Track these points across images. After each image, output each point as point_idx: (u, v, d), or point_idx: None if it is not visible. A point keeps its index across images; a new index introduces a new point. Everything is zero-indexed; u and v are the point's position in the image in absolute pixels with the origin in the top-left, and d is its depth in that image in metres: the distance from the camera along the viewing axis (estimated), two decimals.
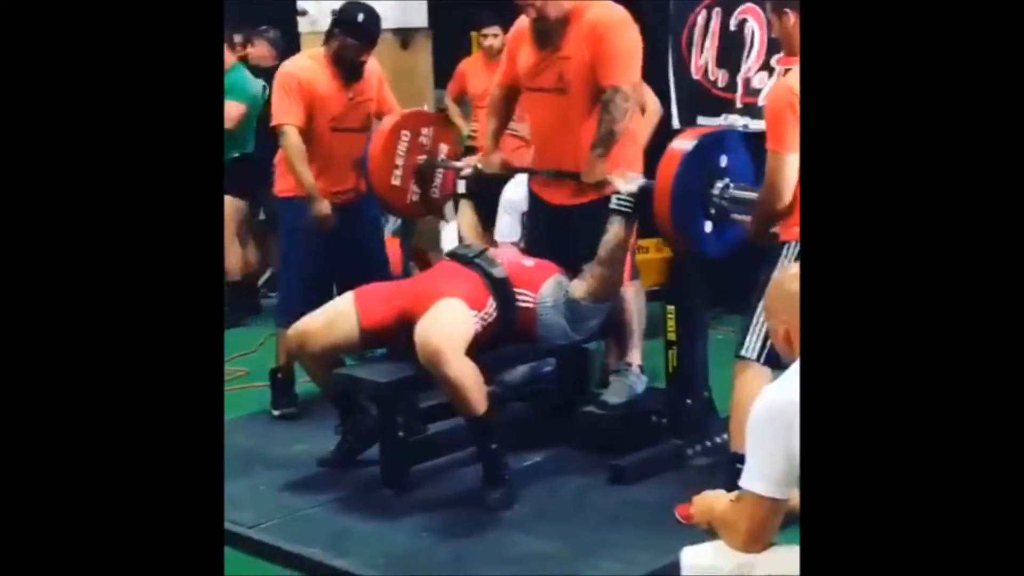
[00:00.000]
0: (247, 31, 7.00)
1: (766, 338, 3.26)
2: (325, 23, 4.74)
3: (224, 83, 5.66)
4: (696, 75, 5.91)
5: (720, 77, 5.81)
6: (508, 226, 5.10)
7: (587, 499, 3.72)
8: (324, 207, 4.50)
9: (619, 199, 3.73)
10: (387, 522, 3.62)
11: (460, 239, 4.36)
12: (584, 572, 3.22)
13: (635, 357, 4.14)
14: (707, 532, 2.29)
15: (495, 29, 6.02)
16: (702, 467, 3.86)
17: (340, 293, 4.09)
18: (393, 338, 3.88)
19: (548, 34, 3.95)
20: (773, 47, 5.40)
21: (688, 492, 2.54)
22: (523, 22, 4.08)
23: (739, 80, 5.72)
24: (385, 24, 6.28)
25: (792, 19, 3.31)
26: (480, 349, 3.69)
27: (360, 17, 4.50)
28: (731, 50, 5.74)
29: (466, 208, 4.34)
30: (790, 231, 3.25)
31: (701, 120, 5.73)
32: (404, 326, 3.73)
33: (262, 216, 6.64)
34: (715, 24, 5.81)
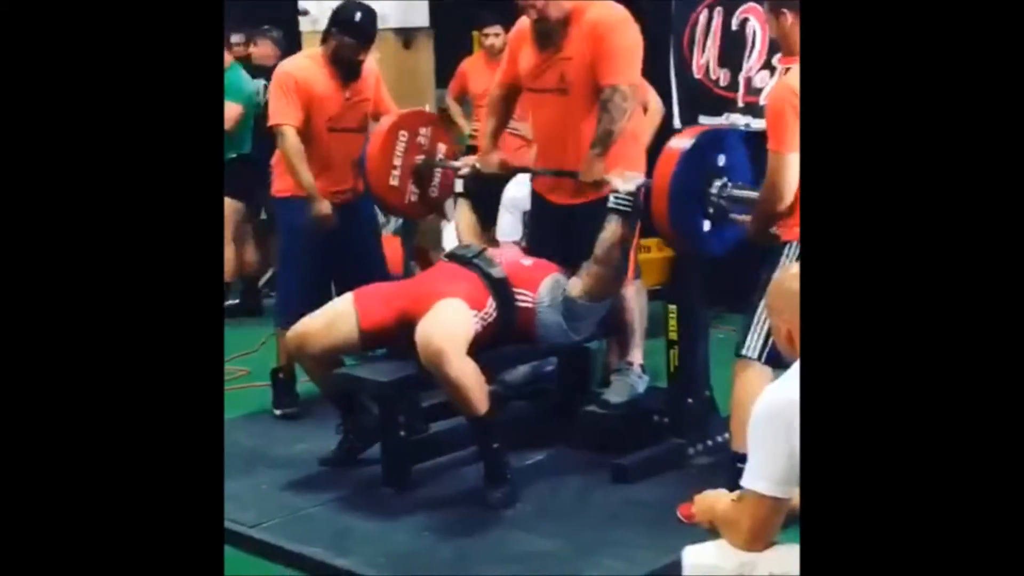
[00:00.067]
0: (250, 31, 7.01)
1: (767, 337, 3.26)
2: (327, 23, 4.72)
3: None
4: (698, 74, 5.90)
5: (722, 76, 5.81)
6: (510, 225, 5.09)
7: (589, 498, 3.72)
8: (325, 207, 4.49)
9: (617, 198, 3.73)
10: (388, 521, 3.62)
11: (458, 239, 4.36)
12: (586, 571, 3.22)
13: (636, 356, 4.14)
14: (709, 531, 2.29)
15: (496, 29, 6.02)
16: (703, 466, 3.86)
17: (339, 293, 4.08)
18: (393, 339, 3.88)
19: (549, 35, 3.95)
20: (775, 46, 5.39)
21: (690, 491, 2.55)
22: (524, 22, 4.08)
23: (741, 79, 5.71)
24: (387, 24, 6.32)
25: (789, 19, 3.31)
26: (480, 349, 3.69)
27: (357, 16, 4.49)
28: (733, 49, 5.73)
29: (464, 207, 4.35)
30: (791, 231, 3.25)
31: (703, 119, 5.72)
32: (404, 327, 3.73)
33: (263, 216, 6.65)
34: (717, 23, 5.81)
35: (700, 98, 5.88)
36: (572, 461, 3.99)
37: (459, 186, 4.36)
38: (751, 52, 5.64)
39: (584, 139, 3.90)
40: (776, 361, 3.18)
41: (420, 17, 6.87)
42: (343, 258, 4.58)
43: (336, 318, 3.86)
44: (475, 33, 6.52)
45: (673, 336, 3.97)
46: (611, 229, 3.74)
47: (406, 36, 6.81)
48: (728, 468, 3.31)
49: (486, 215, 4.59)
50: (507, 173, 4.31)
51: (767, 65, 5.54)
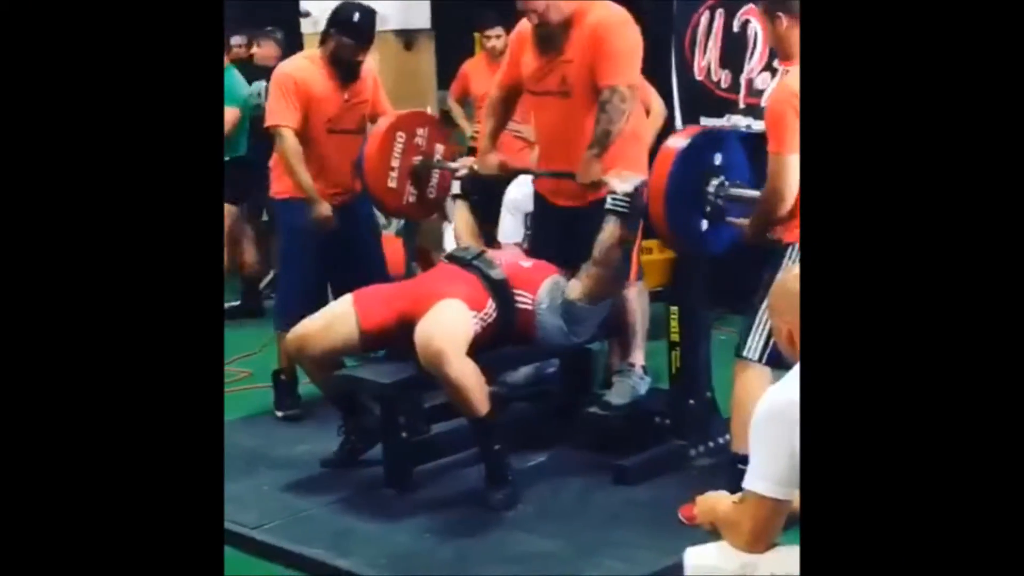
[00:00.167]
0: (252, 32, 7.02)
1: (768, 338, 3.26)
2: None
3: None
4: (699, 76, 5.90)
5: (723, 78, 5.81)
6: (511, 227, 5.09)
7: (590, 499, 3.72)
8: (324, 208, 4.49)
9: (614, 199, 3.73)
10: (390, 522, 3.62)
11: (457, 240, 4.36)
12: (587, 572, 3.22)
13: (638, 358, 4.14)
14: (710, 532, 2.29)
15: (498, 30, 6.02)
16: (705, 467, 3.86)
17: (335, 295, 4.08)
18: (393, 340, 3.88)
19: (550, 38, 3.95)
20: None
21: (691, 492, 2.54)
22: (525, 25, 4.07)
23: (742, 81, 5.71)
24: (388, 25, 6.32)
25: (785, 23, 3.31)
26: (479, 350, 3.69)
27: (356, 17, 4.48)
28: (734, 51, 5.73)
29: (462, 209, 4.34)
30: (793, 233, 3.25)
31: (704, 121, 5.72)
32: (404, 328, 3.73)
33: (264, 218, 6.65)
34: (718, 25, 5.81)
35: (702, 100, 5.87)
36: (573, 462, 4.00)
37: (456, 187, 4.36)
38: (752, 54, 5.64)
39: (586, 141, 3.90)
40: (777, 362, 3.18)
41: (421, 18, 6.88)
42: (343, 259, 4.58)
43: (336, 319, 3.86)
44: (476, 34, 6.53)
45: (675, 337, 3.97)
46: (609, 230, 3.74)
47: (407, 38, 6.81)
48: (729, 470, 3.31)
49: (485, 216, 4.58)
50: (505, 175, 4.31)
51: (768, 67, 5.54)
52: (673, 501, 3.50)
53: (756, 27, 5.57)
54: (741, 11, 5.64)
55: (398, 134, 4.48)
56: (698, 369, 3.95)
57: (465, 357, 3.59)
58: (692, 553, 2.28)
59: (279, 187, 4.65)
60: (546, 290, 3.87)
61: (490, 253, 4.04)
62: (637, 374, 4.11)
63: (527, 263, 4.04)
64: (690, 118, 5.82)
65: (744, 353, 3.38)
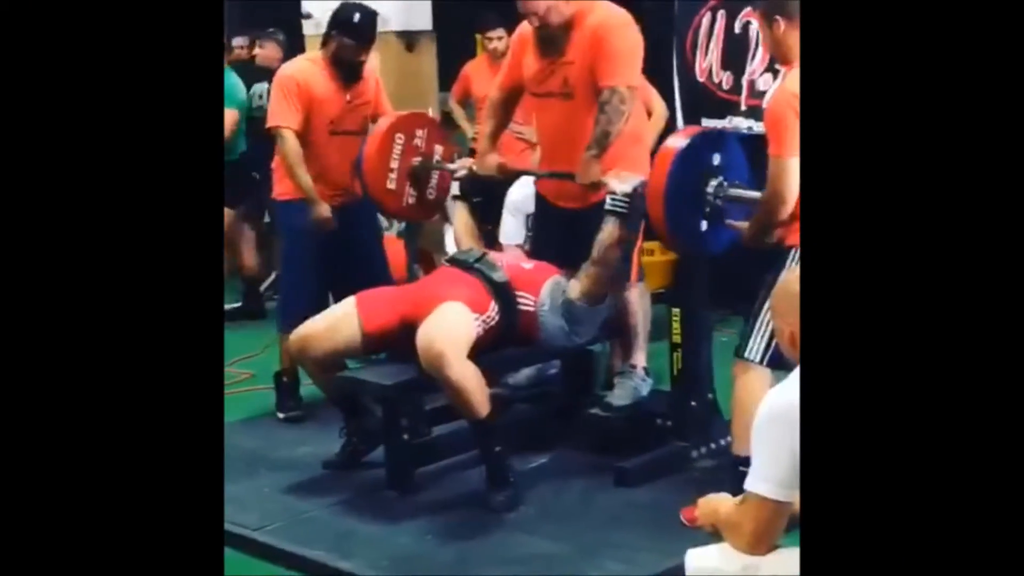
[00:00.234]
0: (255, 33, 7.02)
1: (770, 340, 3.26)
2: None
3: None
4: (701, 77, 5.90)
5: (725, 79, 5.81)
6: (513, 228, 5.09)
7: (592, 501, 3.72)
8: (324, 210, 4.49)
9: (613, 199, 3.73)
10: (391, 524, 3.62)
11: (456, 241, 4.36)
12: (589, 574, 3.22)
13: (640, 359, 4.14)
14: (712, 534, 2.29)
15: (499, 32, 6.02)
16: (706, 469, 3.86)
17: (337, 297, 4.08)
18: (395, 343, 3.88)
19: (552, 40, 3.95)
20: None
21: (693, 494, 2.54)
22: (526, 27, 4.08)
23: (744, 82, 5.71)
24: (390, 27, 6.32)
25: (783, 27, 3.31)
26: (482, 352, 3.69)
27: (356, 17, 4.49)
28: (736, 52, 5.73)
29: (461, 210, 4.35)
30: (796, 235, 3.25)
31: (706, 122, 5.72)
32: (406, 330, 3.73)
33: (266, 219, 6.65)
34: (719, 26, 5.81)
35: (703, 101, 5.88)
36: (575, 464, 4.00)
37: (455, 189, 4.36)
38: (754, 55, 5.63)
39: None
40: (778, 364, 3.18)
41: (423, 20, 6.88)
42: (345, 261, 4.58)
43: (338, 321, 3.86)
44: (478, 36, 6.52)
45: (676, 339, 3.96)
46: (608, 230, 3.74)
47: (409, 39, 6.81)
48: (731, 472, 3.30)
49: (484, 217, 4.59)
50: (503, 176, 4.31)
51: (770, 68, 5.54)
52: (675, 503, 3.50)
53: (757, 29, 5.57)
54: (742, 13, 5.64)
55: (397, 135, 4.48)
56: (700, 371, 3.95)
57: (466, 359, 3.59)
58: (693, 555, 2.28)
59: (281, 189, 4.65)
60: (547, 291, 3.88)
61: (492, 255, 4.04)
62: (639, 375, 4.11)
63: (529, 265, 4.04)
64: (692, 119, 5.82)
65: (746, 355, 3.38)
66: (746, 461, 2.20)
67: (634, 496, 3.74)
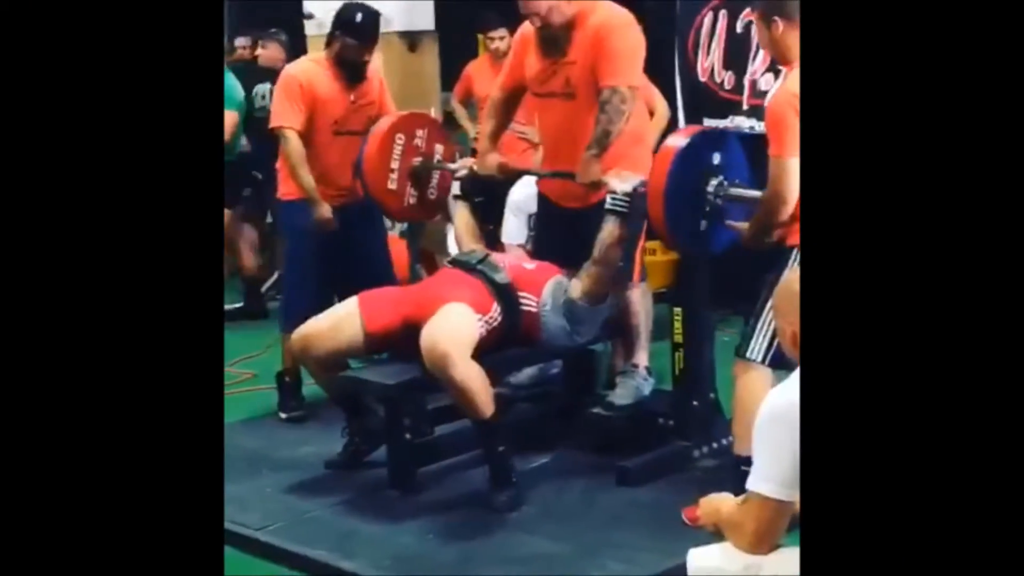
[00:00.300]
0: (257, 33, 7.02)
1: (772, 340, 3.26)
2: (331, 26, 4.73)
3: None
4: (702, 77, 5.90)
5: (726, 79, 5.80)
6: (515, 228, 5.10)
7: (593, 501, 3.72)
8: (325, 210, 4.50)
9: (614, 198, 3.73)
10: (394, 524, 3.62)
11: (457, 241, 4.37)
12: (590, 574, 3.22)
13: (642, 359, 4.14)
14: (714, 534, 2.29)
15: (501, 31, 6.02)
16: (708, 469, 3.86)
17: (341, 297, 4.09)
18: (397, 343, 3.88)
19: (554, 40, 3.95)
20: None
21: (695, 494, 2.54)
22: (528, 28, 4.08)
23: (746, 82, 5.71)
24: (392, 27, 6.33)
25: (781, 27, 3.31)
26: (485, 353, 3.69)
27: (358, 17, 4.50)
28: (737, 52, 5.73)
29: (462, 210, 4.35)
30: (797, 235, 3.25)
31: (708, 122, 5.72)
32: (408, 331, 3.73)
33: (268, 220, 6.66)
34: (721, 26, 5.80)
35: (705, 101, 5.87)
36: (577, 463, 3.99)
37: (456, 188, 4.36)
38: (756, 55, 5.63)
39: None
40: (780, 363, 3.18)
41: (425, 20, 6.89)
42: (349, 261, 4.58)
43: (341, 321, 3.86)
44: (480, 36, 6.53)
45: (678, 339, 3.97)
46: (608, 230, 3.74)
47: (411, 39, 6.82)
48: (733, 471, 3.30)
49: (486, 217, 4.58)
50: (504, 176, 4.31)
51: (772, 68, 5.54)
52: (676, 502, 3.50)
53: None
54: (744, 12, 5.63)
55: (397, 136, 4.48)
56: (702, 370, 3.95)
57: (470, 360, 3.59)
58: (696, 554, 2.28)
59: (285, 189, 4.66)
60: (549, 291, 3.88)
61: (494, 256, 4.05)
62: (641, 375, 4.11)
63: (531, 265, 4.04)
64: (694, 119, 5.82)
65: (747, 355, 3.38)
66: (748, 461, 2.20)
67: (636, 496, 3.73)
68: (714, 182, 3.61)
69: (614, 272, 3.82)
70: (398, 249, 4.97)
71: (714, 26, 5.84)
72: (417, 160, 4.53)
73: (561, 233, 4.16)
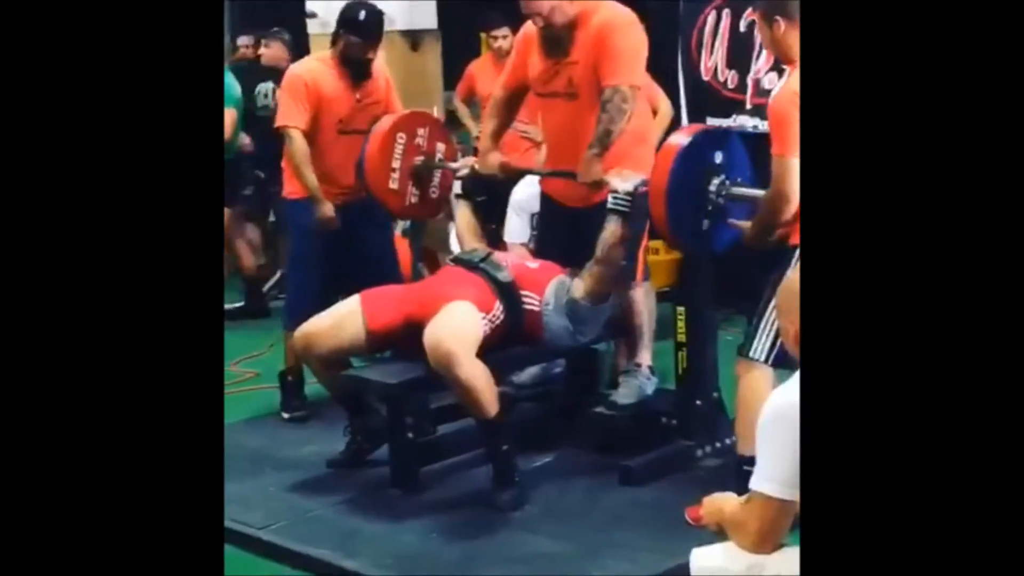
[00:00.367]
0: (260, 32, 7.02)
1: (775, 339, 3.26)
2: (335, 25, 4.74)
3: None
4: (706, 76, 5.90)
5: (730, 78, 5.80)
6: (518, 227, 5.10)
7: (596, 500, 3.72)
8: (327, 209, 4.50)
9: (615, 198, 3.73)
10: (396, 523, 3.62)
11: (458, 240, 4.36)
12: (593, 573, 3.22)
13: (645, 358, 4.13)
14: (717, 533, 2.28)
15: (504, 30, 6.02)
16: (711, 468, 3.85)
17: (345, 295, 4.09)
18: (399, 341, 3.88)
19: (556, 40, 3.95)
20: None
21: (698, 493, 2.54)
22: (530, 27, 4.08)
23: (749, 81, 5.71)
24: (395, 26, 6.33)
25: (782, 27, 3.30)
26: (487, 352, 3.68)
27: (362, 15, 4.50)
28: (741, 51, 5.73)
29: (463, 209, 4.34)
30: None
31: (711, 121, 5.72)
32: (410, 330, 3.73)
33: (271, 218, 6.66)
34: (724, 25, 5.80)
35: (708, 100, 5.87)
36: (580, 463, 3.99)
37: (457, 187, 4.36)
38: (759, 54, 5.63)
39: None
40: (783, 363, 3.17)
41: (428, 19, 6.89)
42: (353, 260, 4.58)
43: (343, 319, 3.86)
44: (483, 35, 6.53)
45: (681, 338, 3.96)
46: (610, 229, 3.74)
47: (414, 38, 6.82)
48: (736, 470, 3.30)
49: (487, 216, 4.58)
50: (505, 175, 4.31)
51: (775, 67, 5.53)
52: (679, 502, 3.49)
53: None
54: (747, 11, 5.63)
55: (399, 135, 4.48)
56: (705, 370, 3.95)
57: (475, 358, 3.59)
58: (698, 554, 2.28)
59: (290, 188, 4.66)
60: (552, 291, 3.88)
61: (497, 255, 4.04)
62: (644, 374, 4.11)
63: (533, 264, 4.04)
64: (697, 118, 5.82)
65: (750, 354, 3.38)
66: (751, 460, 2.20)
67: (639, 495, 3.73)
68: (716, 181, 3.61)
69: (616, 271, 3.82)
70: (400, 247, 4.97)
71: (717, 25, 5.83)
72: (419, 159, 4.52)
73: (564, 232, 4.16)
